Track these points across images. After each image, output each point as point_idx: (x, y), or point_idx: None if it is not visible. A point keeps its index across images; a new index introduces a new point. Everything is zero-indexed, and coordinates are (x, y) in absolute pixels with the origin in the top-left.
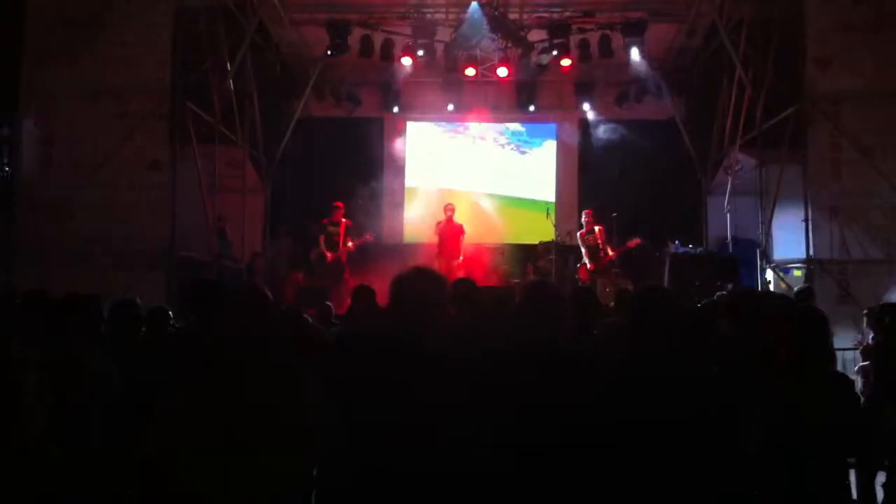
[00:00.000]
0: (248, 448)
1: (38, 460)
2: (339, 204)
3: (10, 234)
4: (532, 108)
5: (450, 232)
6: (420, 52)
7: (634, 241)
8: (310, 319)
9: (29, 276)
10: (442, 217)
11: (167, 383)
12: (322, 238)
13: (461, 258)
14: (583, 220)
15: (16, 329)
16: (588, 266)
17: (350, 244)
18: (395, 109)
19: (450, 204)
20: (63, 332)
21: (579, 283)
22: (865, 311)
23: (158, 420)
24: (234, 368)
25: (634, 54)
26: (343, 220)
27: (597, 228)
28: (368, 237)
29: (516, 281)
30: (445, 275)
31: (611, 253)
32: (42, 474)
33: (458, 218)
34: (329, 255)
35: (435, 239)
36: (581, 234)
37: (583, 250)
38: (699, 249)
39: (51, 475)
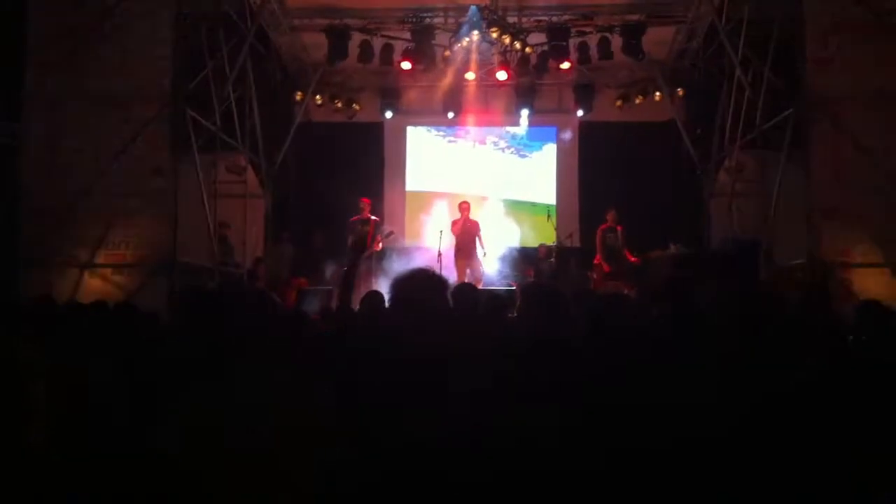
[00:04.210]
0: (255, 450)
1: (41, 465)
2: (367, 200)
3: (15, 241)
4: (532, 111)
5: (466, 230)
6: (419, 57)
7: (656, 252)
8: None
9: (33, 282)
10: (457, 216)
11: (169, 387)
12: (350, 239)
13: (485, 254)
14: (606, 217)
15: (21, 334)
16: (604, 268)
17: (379, 244)
18: (395, 114)
19: (464, 202)
20: (67, 337)
21: (590, 286)
22: None
23: (163, 423)
24: (238, 371)
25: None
26: (372, 217)
27: (618, 228)
28: (392, 234)
29: (515, 284)
30: (462, 273)
31: (632, 258)
32: (45, 479)
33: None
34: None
35: (434, 240)
36: (602, 228)
37: (600, 250)
38: (698, 250)
39: (54, 480)
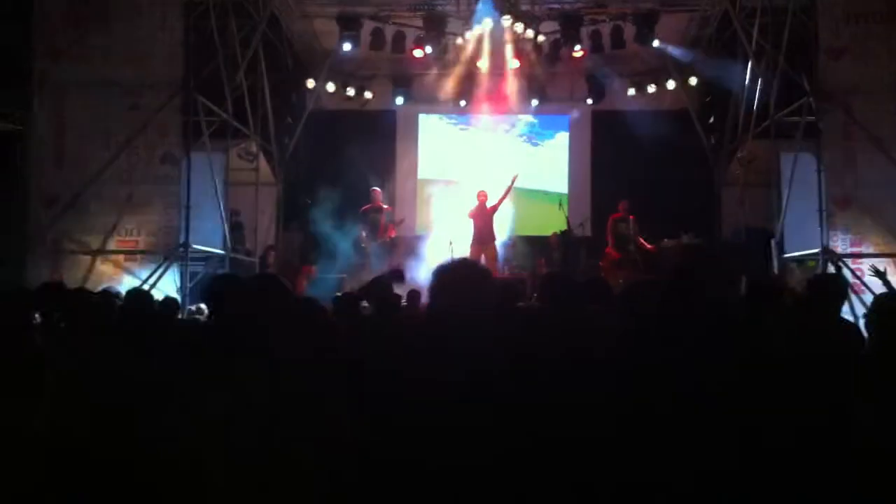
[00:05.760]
0: (269, 440)
1: (43, 455)
2: (378, 190)
3: (25, 228)
4: (544, 99)
5: (483, 218)
6: (431, 45)
7: (669, 241)
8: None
9: (43, 269)
10: (472, 204)
11: (181, 375)
12: (362, 228)
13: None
14: (619, 207)
15: (31, 323)
16: (614, 255)
17: (392, 233)
18: (407, 102)
19: (482, 191)
20: (76, 325)
21: (600, 274)
22: None
23: (174, 414)
24: (251, 360)
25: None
26: (383, 205)
27: (631, 218)
28: (403, 222)
29: (526, 273)
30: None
31: (650, 245)
32: (45, 471)
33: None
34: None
35: (446, 228)
36: (614, 217)
37: (610, 238)
38: (710, 240)
39: (54, 472)
